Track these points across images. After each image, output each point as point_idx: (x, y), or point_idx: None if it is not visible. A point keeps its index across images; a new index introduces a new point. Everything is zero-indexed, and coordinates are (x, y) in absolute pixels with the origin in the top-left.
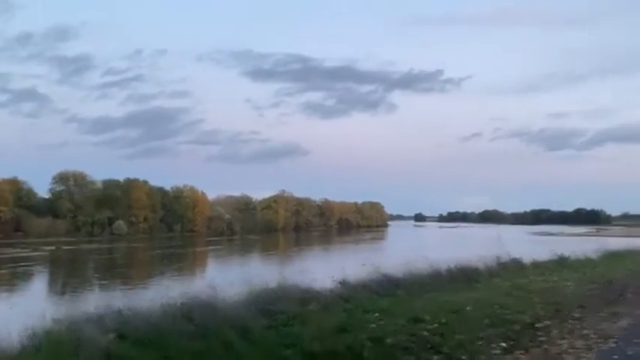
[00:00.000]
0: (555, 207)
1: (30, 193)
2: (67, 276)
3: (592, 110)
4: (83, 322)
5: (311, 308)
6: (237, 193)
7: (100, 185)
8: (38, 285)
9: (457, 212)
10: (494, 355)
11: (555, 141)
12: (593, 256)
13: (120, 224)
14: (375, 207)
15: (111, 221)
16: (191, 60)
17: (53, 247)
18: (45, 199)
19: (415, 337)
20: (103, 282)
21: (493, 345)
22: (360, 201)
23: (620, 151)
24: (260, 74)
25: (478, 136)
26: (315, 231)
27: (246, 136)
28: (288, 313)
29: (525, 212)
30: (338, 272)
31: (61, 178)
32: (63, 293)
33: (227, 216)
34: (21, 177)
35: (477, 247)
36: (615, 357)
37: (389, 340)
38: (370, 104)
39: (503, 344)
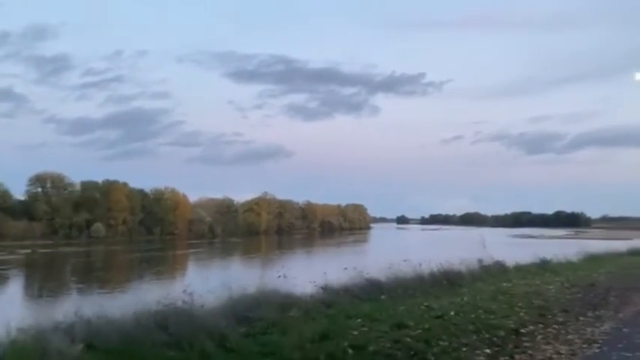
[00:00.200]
0: (536, 210)
1: (6, 194)
2: (43, 280)
3: (572, 114)
4: (51, 332)
5: (292, 314)
6: (219, 196)
7: (78, 187)
8: (11, 290)
9: (439, 215)
10: None
11: (535, 144)
12: (575, 259)
13: (98, 227)
14: (359, 209)
15: (89, 224)
16: (172, 61)
17: (29, 250)
18: (21, 201)
19: (399, 344)
20: (79, 286)
21: (478, 352)
22: (343, 203)
23: (599, 154)
24: (243, 75)
25: (459, 139)
26: (297, 234)
27: (229, 138)
28: (268, 320)
29: (506, 215)
30: (320, 276)
31: (38, 179)
32: (38, 297)
33: (208, 219)
34: None
35: (460, 249)
36: None
37: (372, 348)
38: (353, 107)
39: (488, 351)
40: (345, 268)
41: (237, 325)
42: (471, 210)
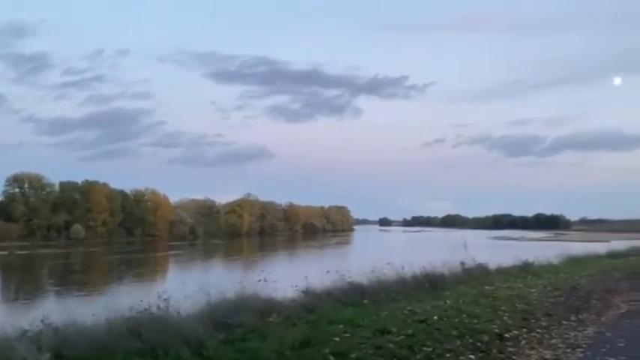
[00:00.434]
0: (516, 212)
1: None
2: (19, 283)
3: (551, 118)
4: (17, 340)
5: (272, 320)
6: (200, 197)
7: (57, 188)
8: None
9: (421, 217)
10: None
11: (516, 148)
12: (556, 261)
13: (77, 228)
14: (341, 211)
15: (68, 225)
16: (153, 61)
17: (6, 252)
18: None
19: (381, 351)
20: (56, 289)
21: (462, 357)
22: (326, 205)
23: (578, 157)
24: (225, 76)
25: (441, 142)
26: (280, 235)
27: (211, 139)
28: (247, 326)
29: (487, 217)
30: (301, 280)
31: (16, 180)
32: (14, 301)
33: (189, 220)
34: None
35: (442, 251)
36: None
37: (354, 355)
38: (336, 109)
39: (472, 356)
40: (328, 272)
41: (215, 331)
42: (453, 212)
